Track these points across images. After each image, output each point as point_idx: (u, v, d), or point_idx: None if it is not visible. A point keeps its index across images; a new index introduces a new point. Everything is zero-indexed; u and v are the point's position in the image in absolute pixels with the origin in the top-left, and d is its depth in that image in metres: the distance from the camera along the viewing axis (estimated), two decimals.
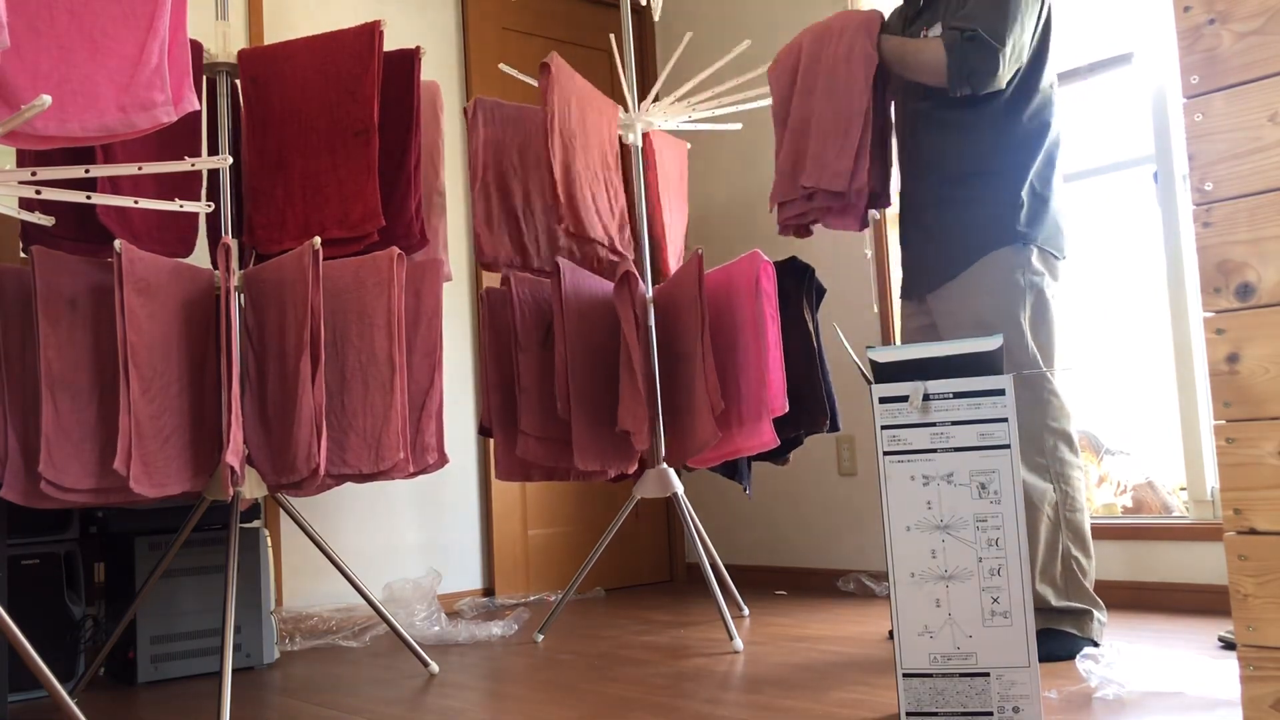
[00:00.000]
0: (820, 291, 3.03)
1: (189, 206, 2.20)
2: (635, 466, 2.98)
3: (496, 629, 3.03)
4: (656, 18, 3.26)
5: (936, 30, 2.46)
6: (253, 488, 2.35)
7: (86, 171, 2.03)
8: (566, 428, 2.88)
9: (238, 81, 2.59)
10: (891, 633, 2.42)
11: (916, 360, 1.90)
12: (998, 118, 2.43)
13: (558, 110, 2.84)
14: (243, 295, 2.43)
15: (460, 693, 2.36)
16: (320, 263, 2.28)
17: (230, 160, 2.31)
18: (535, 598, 3.71)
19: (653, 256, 3.22)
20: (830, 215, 2.60)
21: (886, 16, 2.65)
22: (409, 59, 2.65)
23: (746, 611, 3.24)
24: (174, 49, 1.95)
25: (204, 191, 2.60)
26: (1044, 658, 2.22)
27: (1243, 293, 1.36)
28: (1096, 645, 2.32)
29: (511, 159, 3.05)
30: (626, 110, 3.13)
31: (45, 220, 2.15)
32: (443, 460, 2.57)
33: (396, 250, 2.40)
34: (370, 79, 2.50)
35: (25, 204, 2.30)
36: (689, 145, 3.52)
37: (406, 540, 3.54)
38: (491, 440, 3.37)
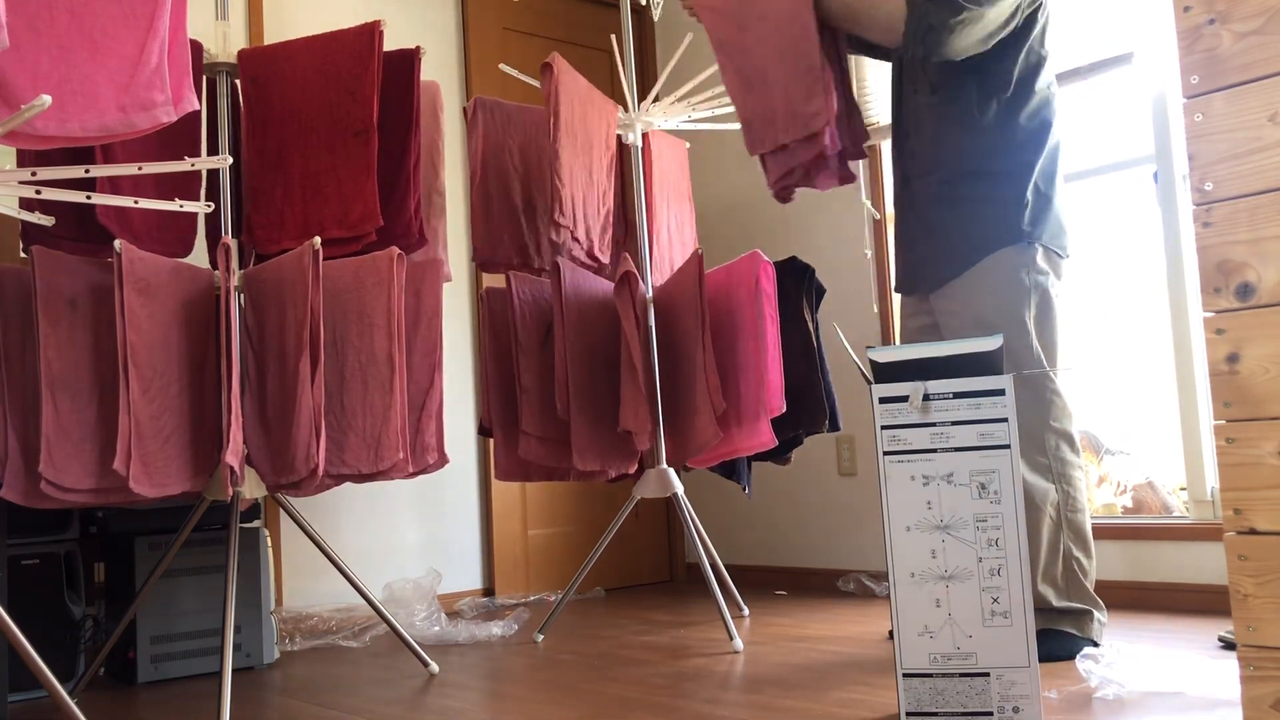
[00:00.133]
0: (820, 291, 3.03)
1: (189, 206, 2.20)
2: (635, 467, 2.98)
3: (496, 629, 3.03)
4: (656, 17, 3.25)
5: None
6: (252, 488, 2.35)
7: (86, 171, 2.03)
8: (566, 428, 2.88)
9: (238, 81, 2.59)
10: (891, 633, 2.42)
11: (916, 360, 1.90)
12: (1001, 116, 2.42)
13: (561, 110, 2.84)
14: (242, 295, 2.43)
15: (460, 693, 2.36)
16: (320, 263, 2.28)
17: (230, 160, 2.31)
18: (535, 598, 3.71)
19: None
20: (814, 174, 2.52)
21: None
22: (409, 59, 2.65)
23: (746, 611, 3.24)
24: (174, 49, 1.95)
25: (204, 191, 2.60)
26: (1044, 658, 2.22)
27: (1243, 293, 1.36)
28: (1096, 645, 2.31)
29: (511, 158, 3.06)
30: (626, 110, 3.13)
31: (45, 220, 2.15)
32: (443, 460, 2.57)
33: (396, 250, 2.40)
34: (370, 79, 2.50)
35: (25, 204, 2.30)
36: (688, 144, 3.51)
37: (406, 540, 3.54)
38: (491, 440, 3.37)
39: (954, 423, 1.85)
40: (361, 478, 2.40)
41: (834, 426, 2.95)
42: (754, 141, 2.58)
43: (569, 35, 4.13)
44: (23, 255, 2.53)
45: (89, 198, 2.08)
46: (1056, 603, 2.33)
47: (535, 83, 3.08)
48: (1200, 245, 1.40)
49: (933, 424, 1.85)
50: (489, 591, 3.71)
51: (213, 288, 2.39)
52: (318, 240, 2.27)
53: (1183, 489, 2.99)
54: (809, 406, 2.95)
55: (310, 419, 2.24)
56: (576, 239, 2.90)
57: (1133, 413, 3.30)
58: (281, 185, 2.55)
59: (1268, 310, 1.34)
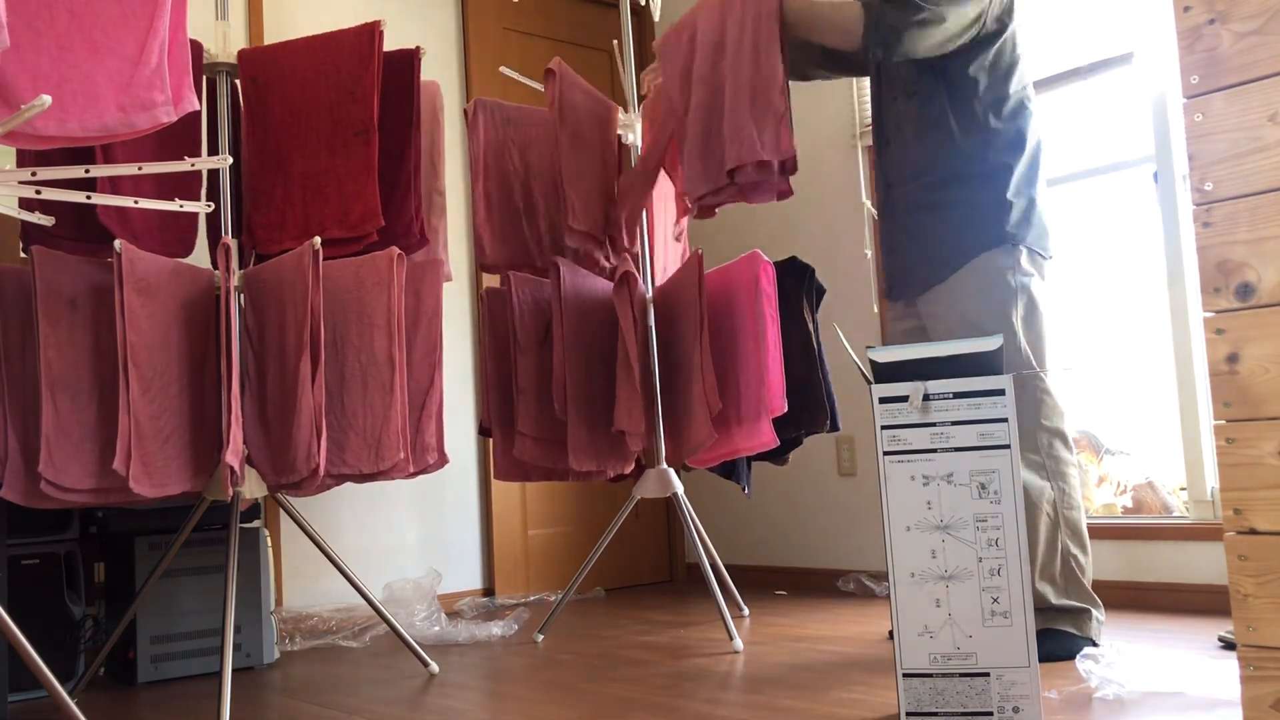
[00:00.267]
0: (820, 291, 3.03)
1: (189, 206, 2.20)
2: (632, 467, 2.98)
3: (496, 629, 3.03)
4: (657, 18, 3.25)
5: None
6: (252, 488, 2.35)
7: (86, 171, 2.03)
8: (563, 428, 2.88)
9: (238, 81, 2.59)
10: (891, 633, 2.42)
11: (916, 360, 1.90)
12: (981, 121, 2.43)
13: (566, 115, 2.84)
14: (243, 295, 2.43)
15: (460, 693, 2.36)
16: (320, 263, 2.28)
17: (230, 160, 2.31)
18: (535, 598, 3.71)
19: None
20: (750, 191, 2.52)
21: None
22: (409, 59, 2.65)
23: (746, 611, 3.24)
24: (174, 49, 1.95)
25: (204, 191, 2.60)
26: (1044, 658, 2.22)
27: (1243, 293, 1.36)
28: (1095, 645, 2.32)
29: (513, 159, 3.05)
30: (626, 111, 3.13)
31: (45, 220, 2.15)
32: (443, 460, 2.57)
33: (396, 250, 2.40)
34: (370, 79, 2.50)
35: (25, 204, 2.30)
36: None
37: (406, 540, 3.54)
38: (491, 440, 3.37)
39: (954, 423, 1.85)
40: (362, 478, 2.40)
41: (834, 427, 2.95)
42: (695, 176, 2.56)
43: (569, 35, 4.13)
44: (23, 255, 2.53)
45: (89, 198, 2.08)
46: (1055, 600, 2.33)
47: (536, 85, 3.09)
48: (1200, 245, 1.40)
49: (933, 424, 1.85)
50: (489, 591, 3.71)
51: (213, 288, 2.39)
52: (318, 240, 2.27)
53: (1183, 489, 2.99)
54: (809, 407, 2.95)
55: (310, 419, 2.25)
56: (594, 237, 2.91)
57: (1133, 413, 3.30)
58: (282, 185, 2.55)
59: (1268, 310, 1.35)
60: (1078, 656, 2.08)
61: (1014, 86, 2.45)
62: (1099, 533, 2.98)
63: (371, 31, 2.51)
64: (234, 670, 2.55)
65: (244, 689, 2.48)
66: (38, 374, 2.18)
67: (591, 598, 3.78)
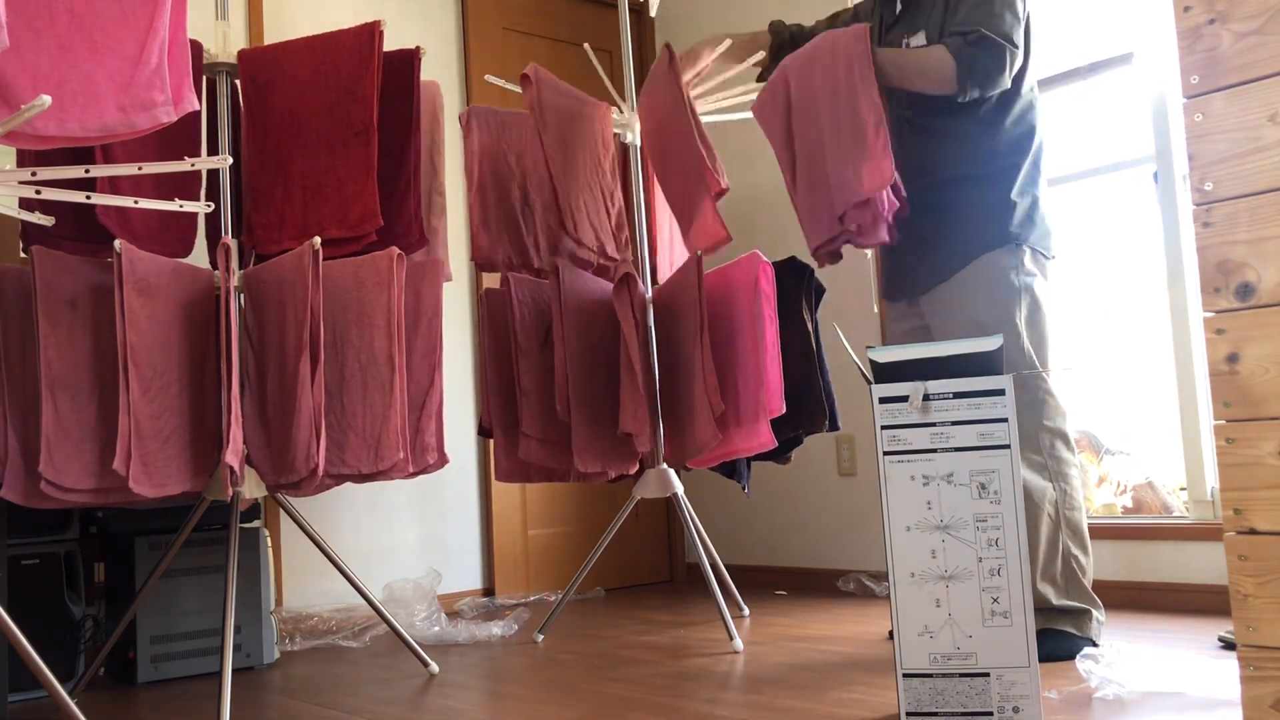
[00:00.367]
0: (820, 291, 3.03)
1: (189, 206, 2.20)
2: (636, 467, 2.98)
3: (496, 629, 3.03)
4: (654, 13, 3.25)
5: (919, 39, 2.47)
6: (252, 488, 2.35)
7: (86, 171, 2.03)
8: (566, 429, 2.88)
9: (238, 81, 2.59)
10: (891, 633, 2.42)
11: (916, 360, 1.90)
12: (984, 123, 2.44)
13: (548, 120, 2.85)
14: (242, 295, 2.43)
15: (460, 693, 2.36)
16: (320, 263, 2.28)
17: (230, 160, 2.31)
18: (535, 598, 3.71)
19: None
20: (861, 234, 2.50)
21: (844, 14, 2.65)
22: (409, 59, 2.65)
23: (746, 611, 3.24)
24: (174, 49, 1.95)
25: (204, 191, 2.60)
26: (1044, 658, 2.22)
27: (1243, 293, 1.36)
28: (1096, 645, 2.32)
29: (508, 163, 3.05)
30: (622, 111, 3.13)
31: (45, 220, 2.15)
32: (443, 460, 2.57)
33: (396, 250, 2.40)
34: (370, 79, 2.50)
35: (25, 204, 2.30)
36: None
37: (406, 540, 3.54)
38: (491, 441, 3.37)
39: (954, 423, 1.85)
40: (361, 478, 2.40)
41: (834, 426, 2.95)
42: (812, 231, 2.56)
43: (569, 35, 4.12)
44: (23, 255, 2.53)
45: (89, 198, 2.08)
46: (1056, 601, 2.33)
47: (516, 88, 3.07)
48: (1200, 245, 1.40)
49: (933, 424, 1.85)
50: (489, 591, 3.71)
51: (213, 288, 2.39)
52: (318, 240, 2.27)
53: (1183, 489, 2.99)
54: (808, 407, 2.95)
55: (310, 419, 2.24)
56: (586, 246, 2.92)
57: (1133, 413, 3.30)
58: (281, 185, 2.54)
59: (1268, 310, 1.35)
60: (1078, 656, 2.08)
61: (1025, 86, 2.46)
62: (1099, 533, 2.98)
63: (371, 31, 2.51)
64: (234, 670, 2.55)
65: (244, 689, 2.48)
66: (38, 374, 2.18)
67: (591, 598, 3.78)
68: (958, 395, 1.85)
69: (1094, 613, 2.35)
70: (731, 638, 2.68)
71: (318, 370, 2.25)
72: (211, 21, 2.63)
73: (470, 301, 3.79)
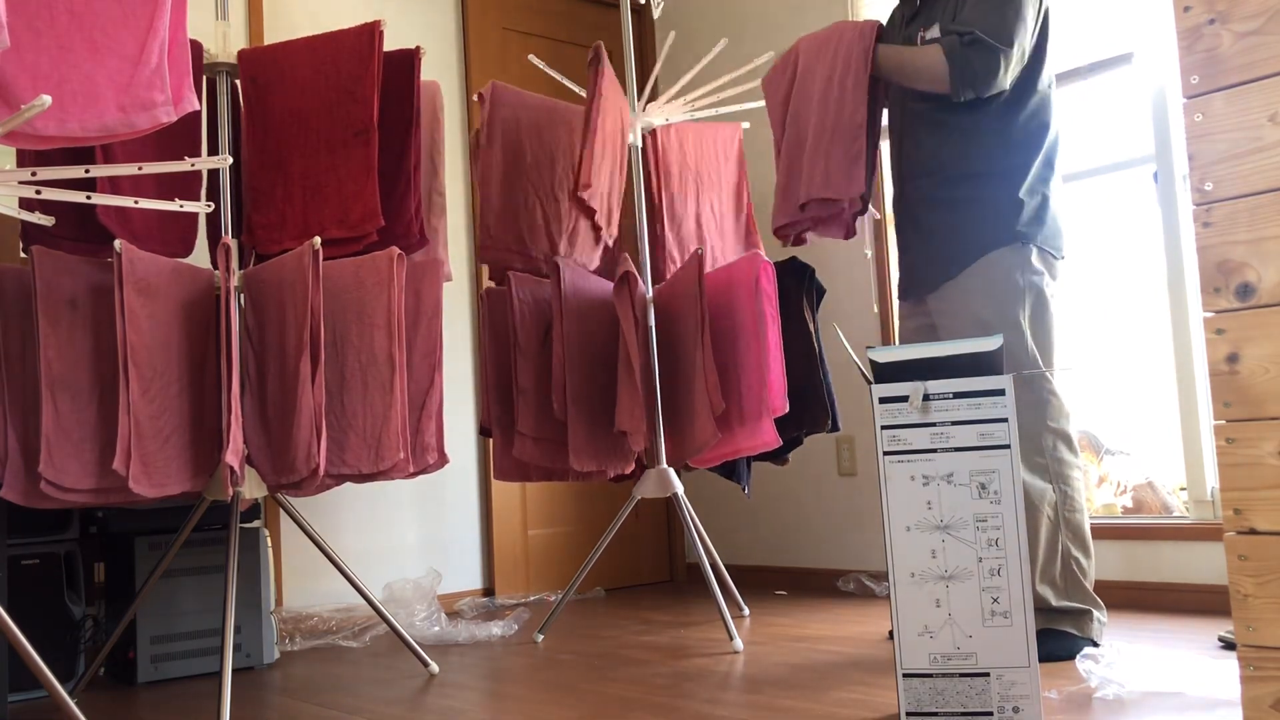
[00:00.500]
0: (820, 291, 3.03)
1: (189, 206, 2.20)
2: (633, 467, 2.98)
3: (496, 629, 3.03)
4: (656, 16, 3.25)
5: (934, 32, 2.46)
6: (252, 488, 2.35)
7: (86, 171, 2.03)
8: (563, 428, 2.88)
9: (238, 81, 2.59)
10: (891, 633, 2.42)
11: (917, 360, 1.90)
12: (997, 119, 2.43)
13: (494, 133, 2.95)
14: (243, 295, 2.43)
15: (460, 693, 2.36)
16: (320, 263, 2.28)
17: (230, 160, 2.31)
18: (535, 598, 3.71)
19: (653, 254, 3.21)
20: (820, 225, 2.62)
21: (885, 21, 2.65)
22: (409, 59, 2.65)
23: (746, 611, 3.24)
24: (174, 49, 1.95)
25: (204, 191, 2.60)
26: (1044, 658, 2.22)
27: (1243, 293, 1.36)
28: (1096, 645, 2.32)
29: (523, 144, 3.05)
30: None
31: (45, 220, 2.15)
32: (443, 460, 2.57)
33: (396, 250, 2.40)
34: (370, 79, 2.50)
35: (25, 204, 2.31)
36: (746, 125, 3.49)
37: (406, 540, 3.54)
38: (491, 440, 3.37)
39: (954, 423, 1.85)
40: (362, 478, 2.40)
41: (834, 427, 2.95)
42: (780, 208, 2.63)
43: (569, 35, 4.13)
44: (23, 255, 2.53)
45: (89, 198, 2.08)
46: (1056, 603, 2.33)
47: (557, 74, 3.10)
48: (1200, 245, 1.40)
49: (933, 424, 1.85)
50: (489, 591, 3.71)
51: (213, 288, 2.39)
52: (318, 240, 2.27)
53: (1183, 489, 2.99)
54: (809, 407, 2.95)
55: (311, 419, 2.25)
56: (596, 225, 2.95)
57: (1133, 413, 3.30)
58: (282, 185, 2.55)
59: (1268, 310, 1.35)
60: (1078, 656, 2.08)
61: (1042, 83, 2.45)
62: (1099, 533, 2.98)
63: (371, 31, 2.51)
64: (234, 670, 2.55)
65: (244, 689, 2.48)
66: (38, 374, 2.18)
67: (591, 598, 3.78)
68: (958, 395, 1.85)
69: (1095, 613, 2.35)
70: (731, 638, 2.68)
71: (318, 370, 2.25)
72: (211, 21, 2.64)
73: (470, 301, 3.79)
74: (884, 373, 1.92)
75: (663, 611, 3.38)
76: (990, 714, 1.79)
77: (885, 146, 2.99)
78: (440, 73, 3.79)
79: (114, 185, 2.39)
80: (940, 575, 1.83)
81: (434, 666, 2.59)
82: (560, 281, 2.86)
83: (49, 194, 2.02)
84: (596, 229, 3.01)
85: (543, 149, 3.08)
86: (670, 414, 2.94)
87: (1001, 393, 1.83)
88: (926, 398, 1.86)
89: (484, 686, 2.42)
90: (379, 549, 3.47)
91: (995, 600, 1.80)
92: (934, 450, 1.85)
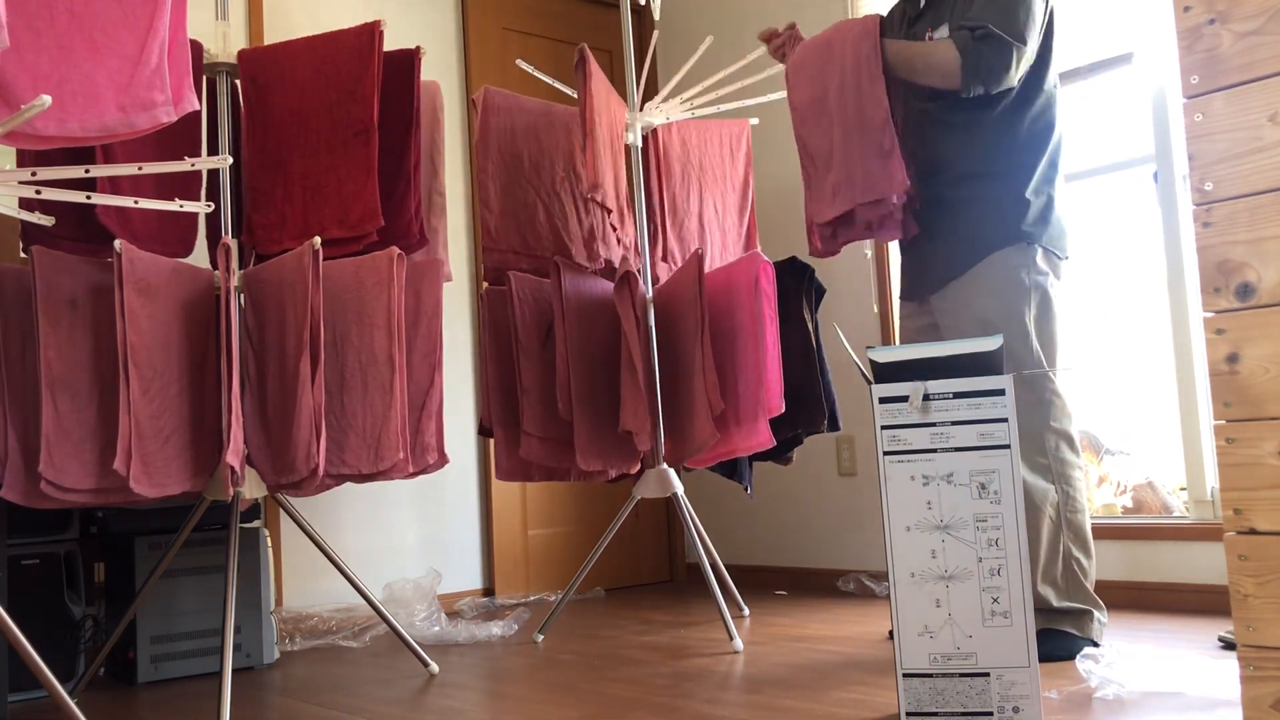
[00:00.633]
0: (820, 291, 3.03)
1: (189, 206, 2.20)
2: (637, 466, 2.98)
3: (496, 629, 3.03)
4: (657, 17, 3.25)
5: (943, 32, 2.45)
6: (252, 488, 2.35)
7: (86, 171, 2.03)
8: (568, 428, 2.88)
9: (238, 81, 2.59)
10: (891, 633, 2.42)
11: (917, 360, 1.90)
12: (1003, 119, 2.43)
13: (490, 140, 2.95)
14: (243, 295, 2.43)
15: (460, 693, 2.36)
16: (320, 263, 2.28)
17: (230, 160, 2.31)
18: (535, 598, 3.71)
19: (653, 254, 3.21)
20: (875, 230, 2.52)
21: (885, 16, 2.64)
22: (409, 59, 2.65)
23: (746, 611, 3.24)
24: (174, 49, 1.95)
25: (204, 191, 2.60)
26: (1044, 658, 2.22)
27: (1243, 293, 1.36)
28: (1097, 645, 2.32)
29: (520, 148, 3.05)
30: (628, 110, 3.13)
31: (45, 220, 2.15)
32: (443, 460, 2.57)
33: (396, 250, 2.40)
34: (370, 79, 2.50)
35: (25, 204, 2.30)
36: (754, 121, 3.47)
37: (406, 540, 3.54)
38: (492, 440, 3.37)
39: (954, 423, 1.85)
40: (362, 478, 2.40)
41: (834, 426, 2.95)
42: (819, 209, 2.56)
43: (569, 35, 4.13)
44: (23, 255, 2.53)
45: (89, 198, 2.08)
46: (1057, 603, 2.33)
47: (546, 78, 3.10)
48: (1200, 245, 1.40)
49: (933, 424, 1.85)
50: (489, 591, 3.71)
51: (213, 288, 2.39)
52: (318, 240, 2.27)
53: (1183, 489, 2.99)
54: (809, 406, 2.95)
55: (310, 419, 2.24)
56: (604, 206, 2.94)
57: (1133, 413, 3.30)
58: (282, 185, 2.55)
59: (1268, 310, 1.34)
60: (1078, 656, 2.08)
61: (1048, 83, 2.45)
62: (1099, 533, 2.97)
63: (371, 31, 2.51)
64: (234, 670, 2.55)
65: (244, 689, 2.48)
66: (38, 374, 2.18)
67: (591, 598, 3.78)
68: (958, 395, 1.85)
69: (1095, 614, 2.35)
70: (731, 638, 2.68)
71: (318, 370, 2.25)
72: (211, 21, 2.64)
73: (470, 301, 3.79)
74: (884, 373, 1.92)
75: (663, 611, 3.38)
76: (990, 714, 1.79)
77: None
78: (440, 73, 3.79)
79: (114, 185, 2.39)
80: (940, 575, 1.83)
81: (434, 666, 2.59)
82: (560, 281, 2.86)
83: (49, 194, 2.02)
84: (613, 227, 3.01)
85: (541, 151, 3.08)
86: (669, 414, 2.94)
87: (1001, 393, 1.83)
88: (926, 398, 1.86)
89: (484, 686, 2.42)
90: (379, 549, 3.47)
91: (995, 600, 1.80)
92: (934, 450, 1.85)
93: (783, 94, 2.88)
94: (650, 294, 3.01)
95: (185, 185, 2.54)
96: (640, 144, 3.14)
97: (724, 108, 3.15)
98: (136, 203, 2.16)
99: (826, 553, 3.74)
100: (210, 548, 2.71)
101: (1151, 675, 2.06)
